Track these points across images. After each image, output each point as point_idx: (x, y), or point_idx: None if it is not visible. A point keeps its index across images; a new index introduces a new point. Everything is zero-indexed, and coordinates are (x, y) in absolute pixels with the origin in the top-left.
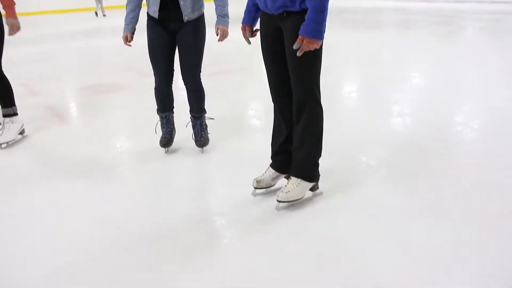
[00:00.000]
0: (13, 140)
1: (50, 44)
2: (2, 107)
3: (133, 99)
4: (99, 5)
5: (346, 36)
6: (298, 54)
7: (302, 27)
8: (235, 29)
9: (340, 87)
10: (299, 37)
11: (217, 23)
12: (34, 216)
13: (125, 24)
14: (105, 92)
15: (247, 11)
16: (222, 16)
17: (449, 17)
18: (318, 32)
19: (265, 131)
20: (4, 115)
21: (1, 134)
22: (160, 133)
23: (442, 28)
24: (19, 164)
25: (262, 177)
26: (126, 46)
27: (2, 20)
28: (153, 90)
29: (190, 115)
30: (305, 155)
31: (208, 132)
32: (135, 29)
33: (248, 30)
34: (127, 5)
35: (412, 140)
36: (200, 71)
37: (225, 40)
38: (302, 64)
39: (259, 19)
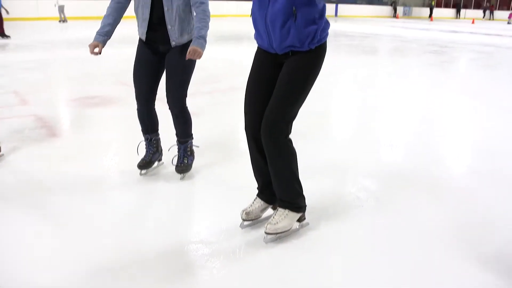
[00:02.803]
0: None
1: (46, 51)
2: None
3: (123, 114)
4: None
5: (339, 61)
6: None
7: None
8: (231, 48)
9: (330, 114)
10: None
11: (192, 43)
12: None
13: (98, 34)
14: (96, 104)
15: None
16: (198, 37)
17: (443, 46)
18: None
19: None
20: None
21: None
22: (142, 154)
23: (435, 57)
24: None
25: (251, 208)
26: (118, 58)
27: None
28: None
29: (176, 139)
30: (285, 188)
31: (195, 157)
32: (106, 43)
33: None
34: (105, 17)
35: (401, 172)
36: (186, 95)
37: (220, 58)
38: (291, 97)
39: (254, 53)
